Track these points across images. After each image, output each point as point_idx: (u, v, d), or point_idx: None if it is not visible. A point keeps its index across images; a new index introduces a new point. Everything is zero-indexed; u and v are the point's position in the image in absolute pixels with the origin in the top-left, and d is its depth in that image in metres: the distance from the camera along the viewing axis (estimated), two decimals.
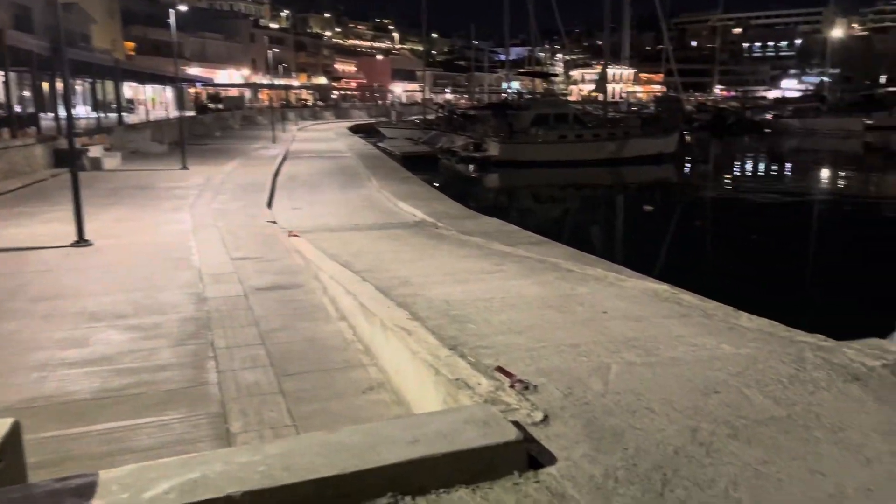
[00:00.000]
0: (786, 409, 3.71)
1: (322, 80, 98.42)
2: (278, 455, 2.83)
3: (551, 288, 6.64)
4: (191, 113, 47.07)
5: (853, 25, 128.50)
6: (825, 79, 78.37)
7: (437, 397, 4.18)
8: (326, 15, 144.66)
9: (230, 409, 4.61)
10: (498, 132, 34.57)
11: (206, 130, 40.59)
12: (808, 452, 3.24)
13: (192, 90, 58.62)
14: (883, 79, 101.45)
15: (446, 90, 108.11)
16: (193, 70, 59.87)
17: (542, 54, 75.34)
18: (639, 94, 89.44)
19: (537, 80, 56.58)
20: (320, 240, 10.19)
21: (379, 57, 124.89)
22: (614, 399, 3.81)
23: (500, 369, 4.20)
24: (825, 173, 35.72)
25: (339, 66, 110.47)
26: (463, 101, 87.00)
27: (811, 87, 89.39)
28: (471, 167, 33.68)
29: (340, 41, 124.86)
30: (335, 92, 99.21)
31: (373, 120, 62.53)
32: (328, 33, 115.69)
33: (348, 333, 6.27)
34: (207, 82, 59.80)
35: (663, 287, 6.76)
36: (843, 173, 35.59)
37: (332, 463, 2.77)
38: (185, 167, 21.15)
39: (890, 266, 14.46)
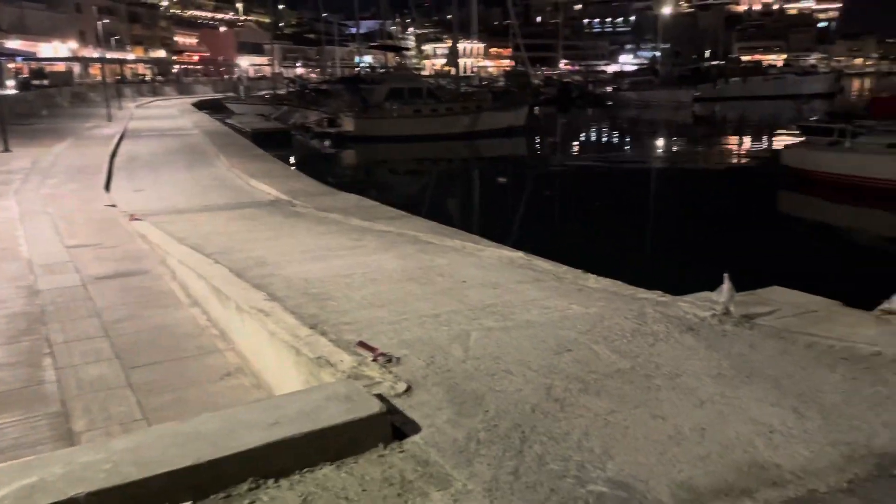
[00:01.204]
0: (630, 361, 3.97)
1: (161, 53, 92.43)
2: (126, 450, 2.66)
3: (411, 260, 6.69)
4: (11, 91, 42.72)
5: (681, 3, 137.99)
6: (657, 54, 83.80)
7: (298, 378, 4.10)
8: None
9: (72, 408, 4.28)
10: (352, 107, 34.15)
11: (30, 109, 37.03)
12: (650, 399, 3.50)
13: (11, 65, 53.14)
14: (707, 53, 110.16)
15: (297, 64, 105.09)
16: (12, 43, 54.27)
17: (393, 28, 74.94)
18: (489, 69, 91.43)
19: (389, 55, 56.28)
20: (167, 223, 9.64)
21: (222, 29, 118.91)
22: (474, 364, 3.91)
23: (362, 344, 4.18)
24: (660, 142, 38.35)
25: (180, 39, 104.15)
26: (314, 75, 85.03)
27: (646, 62, 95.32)
28: (326, 143, 33.09)
29: (179, 12, 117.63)
30: (176, 66, 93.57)
31: (219, 95, 59.68)
32: (164, 2, 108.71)
33: (201, 319, 5.99)
34: (29, 56, 54.45)
35: (518, 254, 7.00)
36: (676, 141, 38.41)
37: (185, 453, 2.64)
38: (6, 150, 19.22)
39: (716, 225, 15.84)
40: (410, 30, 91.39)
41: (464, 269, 6.29)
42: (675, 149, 35.63)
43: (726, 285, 4.78)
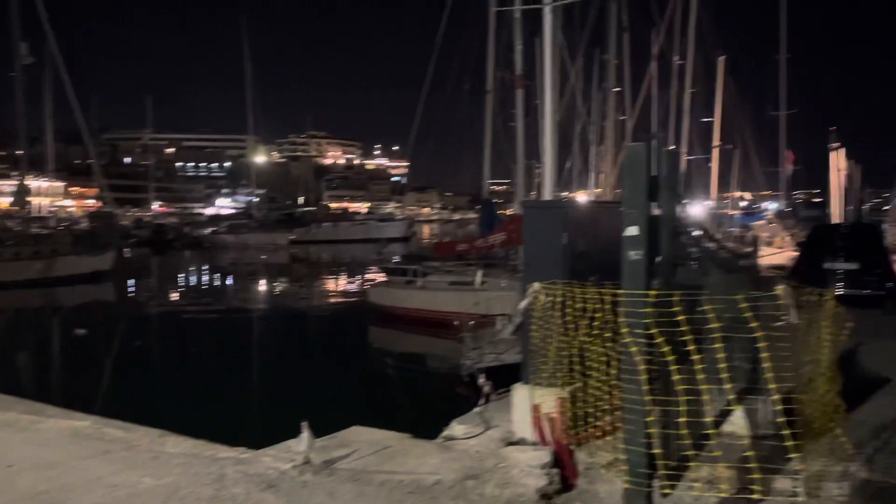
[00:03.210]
0: None
1: None
2: None
3: None
4: None
5: (273, 153, 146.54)
6: (253, 198, 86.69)
7: None
8: None
9: None
10: None
11: None
12: None
13: None
14: (301, 200, 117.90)
15: None
16: None
17: None
18: (70, 209, 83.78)
19: None
20: None
21: None
22: None
23: None
24: (258, 284, 38.95)
25: None
26: None
27: (243, 206, 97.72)
28: None
29: None
30: None
31: None
32: None
33: None
34: None
35: (86, 423, 6.20)
36: (273, 282, 39.42)
37: None
38: None
39: (308, 365, 16.37)
40: None
41: (13, 450, 5.29)
42: (272, 290, 36.49)
43: (305, 434, 4.84)
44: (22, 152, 40.57)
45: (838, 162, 23.75)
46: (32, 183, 49.69)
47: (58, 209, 76.99)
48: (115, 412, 6.76)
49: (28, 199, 41.14)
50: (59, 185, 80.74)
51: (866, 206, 41.36)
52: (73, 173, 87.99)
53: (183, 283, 39.51)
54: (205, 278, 42.99)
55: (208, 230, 71.06)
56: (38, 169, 51.06)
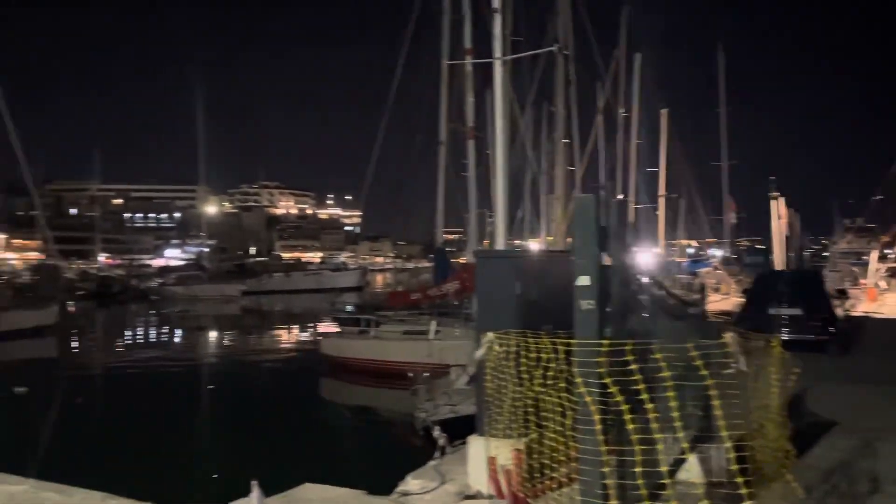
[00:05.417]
0: None
1: None
2: None
3: None
4: None
5: (224, 203, 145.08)
6: (204, 249, 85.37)
7: None
8: None
9: None
10: None
11: None
12: None
13: None
14: (253, 250, 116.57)
15: None
16: None
17: None
18: (12, 262, 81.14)
19: None
20: None
21: None
22: None
23: None
24: (209, 336, 38.06)
25: None
26: None
27: (193, 257, 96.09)
28: None
29: None
30: None
31: None
32: None
33: None
34: None
35: (23, 488, 5.89)
36: (224, 334, 38.56)
37: None
38: None
39: (260, 421, 15.92)
40: None
41: None
42: (221, 342, 35.69)
43: (255, 493, 4.69)
44: None
45: (779, 210, 24.65)
46: None
47: None
48: (55, 475, 6.45)
49: None
50: (1, 237, 78.28)
51: (807, 253, 42.86)
52: (15, 225, 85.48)
53: (130, 338, 38.35)
54: (152, 332, 41.84)
55: (157, 282, 69.51)
56: None
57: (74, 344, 33.94)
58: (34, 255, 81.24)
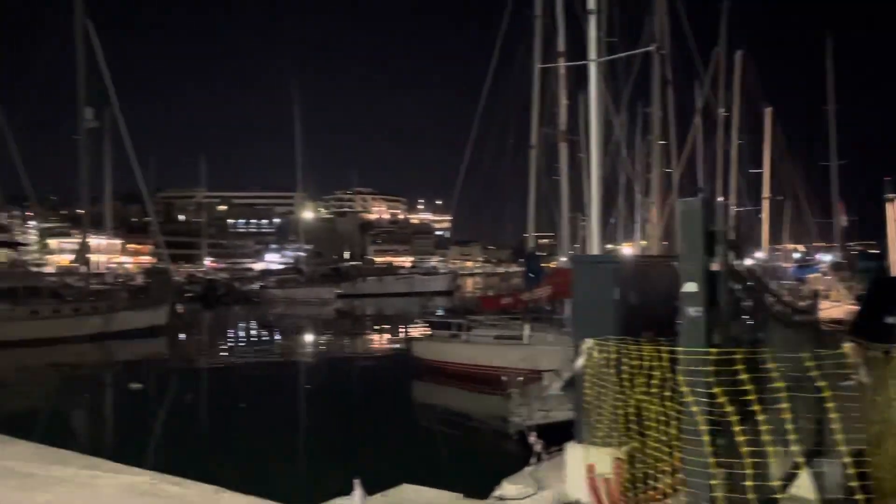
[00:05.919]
0: None
1: None
2: None
3: None
4: None
5: (320, 209, 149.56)
6: (301, 253, 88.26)
7: None
8: None
9: None
10: None
11: None
12: None
13: None
14: (347, 254, 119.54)
15: None
16: None
17: (7, 221, 67.30)
18: (127, 266, 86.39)
19: (2, 251, 49.84)
20: None
21: None
22: None
23: None
24: (306, 337, 39.27)
25: None
26: None
27: (291, 261, 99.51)
28: None
29: None
30: None
31: None
32: None
33: None
34: None
35: (143, 478, 6.27)
36: (320, 336, 39.69)
37: None
38: None
39: (357, 421, 16.25)
40: (33, 223, 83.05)
41: None
42: (320, 344, 36.72)
43: (358, 492, 4.81)
44: (83, 211, 42.35)
45: (895, 212, 23.02)
46: (93, 240, 51.49)
47: (115, 266, 79.42)
48: (169, 467, 6.81)
49: (88, 256, 42.58)
50: (117, 242, 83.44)
51: None
52: (130, 231, 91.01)
53: (234, 338, 40.09)
54: (254, 332, 43.56)
55: (258, 285, 72.29)
56: (98, 227, 52.92)
57: (184, 343, 35.75)
58: (146, 259, 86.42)
